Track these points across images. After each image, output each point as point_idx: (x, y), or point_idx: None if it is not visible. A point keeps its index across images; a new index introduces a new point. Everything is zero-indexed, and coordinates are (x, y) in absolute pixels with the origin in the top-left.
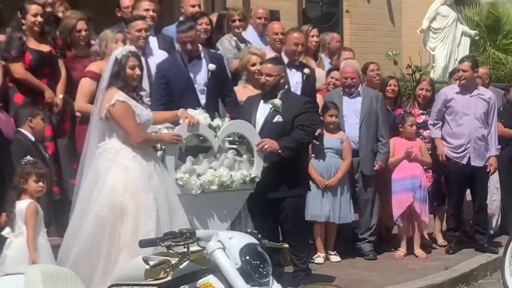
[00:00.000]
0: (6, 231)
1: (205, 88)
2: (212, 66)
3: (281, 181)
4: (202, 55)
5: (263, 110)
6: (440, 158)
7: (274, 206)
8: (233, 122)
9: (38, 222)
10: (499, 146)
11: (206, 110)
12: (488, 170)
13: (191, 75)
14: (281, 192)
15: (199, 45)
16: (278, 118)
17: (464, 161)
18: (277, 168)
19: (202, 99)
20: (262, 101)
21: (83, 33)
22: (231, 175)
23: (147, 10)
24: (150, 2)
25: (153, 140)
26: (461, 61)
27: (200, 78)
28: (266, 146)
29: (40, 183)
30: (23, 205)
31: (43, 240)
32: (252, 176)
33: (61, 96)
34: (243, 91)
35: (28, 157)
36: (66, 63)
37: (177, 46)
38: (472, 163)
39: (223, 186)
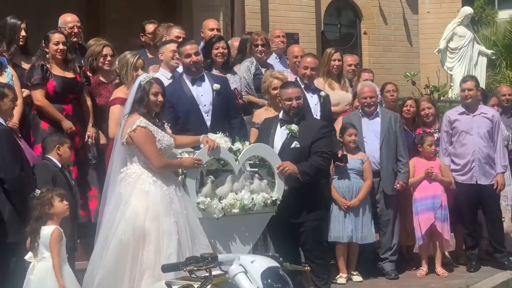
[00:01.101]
0: (29, 256)
1: (210, 108)
2: (217, 86)
3: (300, 205)
4: (206, 77)
5: (280, 135)
6: (451, 187)
7: (294, 228)
8: (254, 146)
9: (61, 248)
10: (506, 164)
11: (212, 131)
12: (495, 187)
13: (196, 95)
14: (300, 216)
15: (202, 68)
16: (295, 144)
17: (472, 181)
18: (296, 192)
19: (208, 120)
20: (279, 125)
21: (109, 58)
22: (252, 198)
23: (178, 37)
24: (180, 30)
25: (173, 166)
26: (464, 81)
27: (205, 99)
28: (287, 169)
29: (65, 201)
30: (47, 231)
31: (67, 268)
32: (274, 198)
33: (91, 124)
34: (265, 113)
35: (37, 191)
36: (91, 89)
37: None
38: (479, 182)
39: (244, 209)
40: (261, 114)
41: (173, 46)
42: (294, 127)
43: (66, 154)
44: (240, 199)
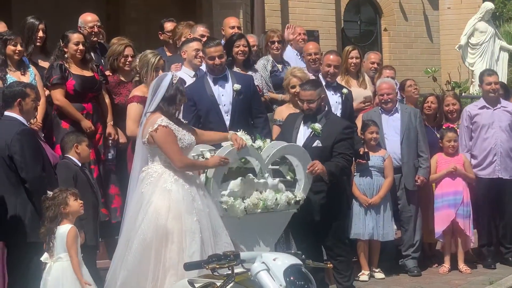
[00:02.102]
0: (45, 257)
1: (230, 108)
2: (237, 86)
3: (322, 202)
4: (229, 76)
5: (303, 133)
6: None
7: (315, 226)
8: (274, 143)
9: (77, 247)
10: None
11: (231, 130)
12: None
13: (216, 95)
14: (322, 213)
15: (226, 67)
16: (317, 143)
17: (494, 176)
18: (318, 189)
19: (227, 120)
20: (302, 123)
21: (130, 58)
22: (276, 199)
23: (202, 36)
24: (205, 28)
25: (197, 166)
26: (490, 74)
27: (226, 99)
28: (317, 169)
29: (79, 200)
30: (63, 230)
31: (82, 265)
32: (298, 199)
33: (111, 123)
34: (286, 110)
35: (49, 192)
36: (111, 88)
37: (203, 68)
38: (500, 176)
39: (267, 208)
40: (282, 111)
41: (196, 45)
42: (317, 126)
43: (85, 153)
44: (264, 199)
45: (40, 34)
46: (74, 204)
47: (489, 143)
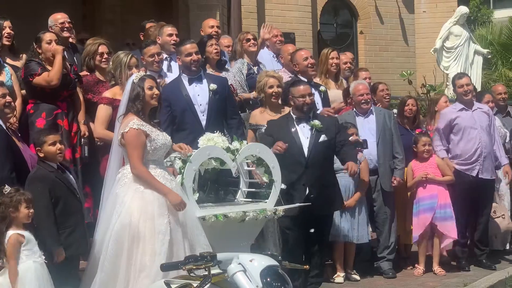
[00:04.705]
0: (1, 262)
1: (206, 108)
2: (213, 86)
3: (323, 200)
4: (204, 76)
5: (302, 132)
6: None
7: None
8: (251, 145)
9: (26, 250)
10: (509, 155)
11: (207, 130)
12: (506, 178)
13: (192, 95)
14: (324, 209)
15: (201, 68)
16: (324, 138)
17: (474, 173)
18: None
19: (203, 120)
20: (296, 123)
21: (105, 56)
22: (244, 213)
23: (170, 35)
24: (172, 28)
25: (151, 184)
26: (460, 77)
27: (202, 99)
28: (355, 169)
29: (31, 209)
30: (8, 236)
31: (36, 265)
32: (267, 215)
33: (83, 121)
34: (260, 115)
35: (7, 187)
36: (90, 87)
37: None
38: (480, 176)
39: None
40: (256, 116)
41: (152, 50)
42: (317, 122)
43: (50, 153)
44: (234, 217)
45: (7, 30)
46: (23, 212)
47: (474, 144)
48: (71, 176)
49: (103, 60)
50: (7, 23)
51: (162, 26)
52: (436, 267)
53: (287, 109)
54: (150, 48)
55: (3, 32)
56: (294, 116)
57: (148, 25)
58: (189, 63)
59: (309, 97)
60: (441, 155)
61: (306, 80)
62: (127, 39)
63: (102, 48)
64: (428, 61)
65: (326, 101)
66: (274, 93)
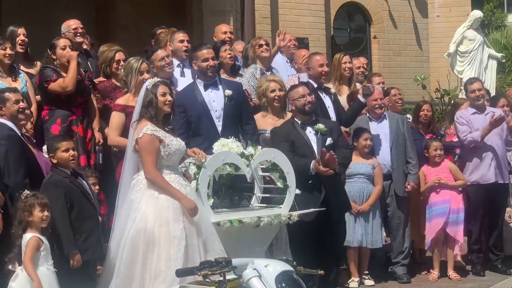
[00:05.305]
0: (12, 265)
1: (222, 113)
2: (228, 92)
3: (334, 203)
4: (219, 82)
5: (308, 136)
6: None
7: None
8: (266, 150)
9: (41, 255)
10: None
11: (223, 136)
12: None
13: (207, 100)
14: (335, 213)
15: (216, 73)
16: (330, 141)
17: (491, 181)
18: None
19: (219, 126)
20: (301, 128)
21: (122, 63)
22: (258, 218)
23: (181, 41)
24: (183, 34)
25: (165, 189)
26: (472, 82)
27: (217, 104)
28: (334, 156)
29: (45, 212)
30: (27, 239)
31: (49, 272)
32: (281, 220)
33: (97, 128)
34: (263, 120)
35: (27, 191)
36: (107, 92)
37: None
38: (496, 180)
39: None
40: (259, 120)
41: (160, 54)
42: (321, 125)
43: (63, 160)
44: (248, 223)
45: (21, 38)
46: (37, 215)
47: (487, 148)
48: (84, 181)
49: (120, 67)
50: (21, 31)
51: (173, 32)
52: (451, 272)
53: (289, 114)
54: (157, 53)
55: (17, 39)
56: (299, 122)
57: (159, 31)
58: (205, 68)
59: (309, 96)
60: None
61: (315, 84)
62: (146, 45)
63: (119, 55)
64: (442, 66)
65: (338, 105)
66: (276, 97)
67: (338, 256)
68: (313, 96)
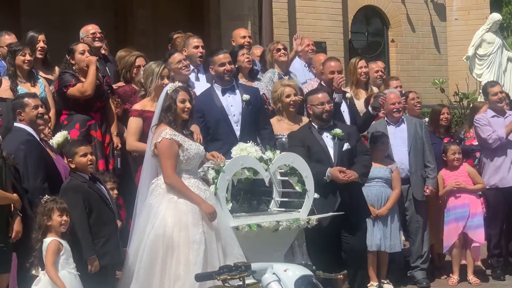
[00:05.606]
0: (35, 270)
1: (240, 118)
2: (246, 96)
3: (351, 208)
4: (236, 87)
5: (325, 141)
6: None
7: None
8: (284, 154)
9: (62, 259)
10: None
11: (241, 141)
12: None
13: (225, 105)
14: (353, 217)
15: (233, 78)
16: (347, 146)
17: (511, 183)
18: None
19: (237, 130)
20: (317, 133)
21: (142, 68)
22: (277, 222)
23: (196, 47)
24: (198, 39)
25: (184, 193)
26: (493, 85)
27: (235, 109)
28: (350, 176)
29: (64, 217)
30: (46, 243)
31: (71, 276)
32: (300, 224)
33: (115, 133)
34: (278, 124)
35: (46, 196)
36: (127, 97)
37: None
38: None
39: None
40: (274, 125)
41: (177, 57)
42: (338, 130)
43: (81, 165)
44: (267, 227)
45: (41, 44)
46: (56, 220)
47: (507, 151)
48: (102, 186)
49: (139, 74)
50: (41, 37)
51: (188, 37)
52: (470, 277)
53: (304, 119)
54: (174, 56)
55: (37, 45)
56: (316, 126)
57: (175, 35)
58: (222, 73)
59: (328, 104)
60: (501, 134)
61: (330, 89)
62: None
63: (140, 61)
64: (460, 69)
65: (353, 109)
66: (292, 102)
67: (360, 259)
68: (332, 105)
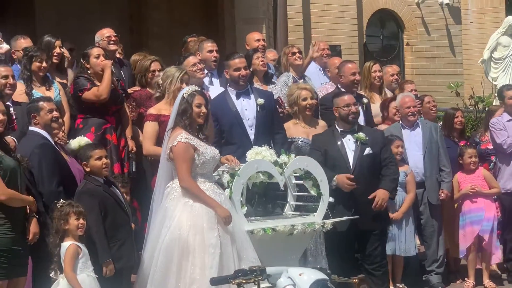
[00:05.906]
0: (54, 273)
1: (254, 122)
2: (261, 100)
3: (369, 215)
4: (251, 91)
5: (347, 145)
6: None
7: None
8: (299, 158)
9: (81, 262)
10: None
11: (256, 144)
12: None
13: (240, 109)
14: (370, 225)
15: (248, 82)
16: (369, 151)
17: None
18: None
19: (251, 134)
20: (339, 136)
21: (157, 73)
22: (292, 226)
23: (210, 51)
24: (212, 44)
25: (199, 197)
26: (508, 89)
27: (249, 113)
28: (384, 204)
29: (81, 220)
30: (65, 247)
31: (90, 279)
32: (315, 228)
33: (130, 137)
34: (294, 128)
35: (62, 200)
36: (143, 101)
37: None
38: None
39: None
40: (290, 128)
41: (192, 60)
42: (361, 134)
43: (95, 168)
44: (282, 231)
45: (57, 50)
46: (73, 223)
47: None
48: (117, 190)
49: (155, 76)
50: (58, 43)
51: (202, 41)
52: (486, 281)
53: (321, 122)
54: (189, 59)
55: (53, 51)
56: (339, 129)
57: (189, 39)
58: (238, 77)
59: (354, 106)
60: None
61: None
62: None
63: (155, 65)
64: (475, 73)
65: (368, 113)
66: (308, 105)
67: (380, 263)
68: (358, 106)
